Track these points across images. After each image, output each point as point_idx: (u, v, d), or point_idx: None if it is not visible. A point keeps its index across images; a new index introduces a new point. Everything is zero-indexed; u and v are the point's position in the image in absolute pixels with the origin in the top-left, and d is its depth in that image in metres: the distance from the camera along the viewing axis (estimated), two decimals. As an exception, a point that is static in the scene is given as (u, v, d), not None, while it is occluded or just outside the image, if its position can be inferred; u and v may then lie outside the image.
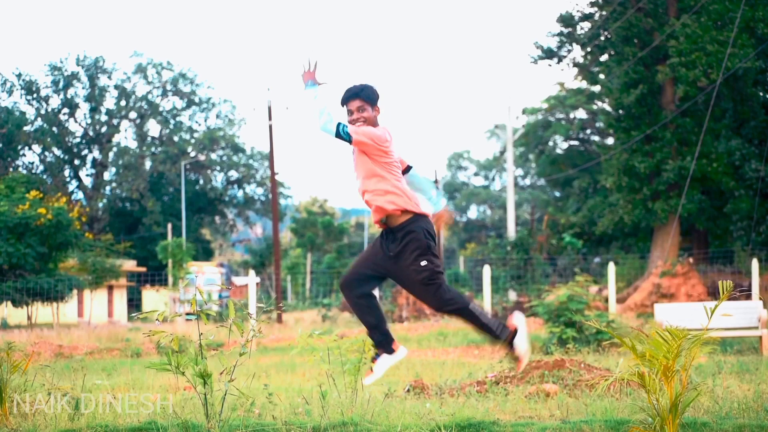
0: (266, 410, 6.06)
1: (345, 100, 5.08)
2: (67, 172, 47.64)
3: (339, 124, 4.86)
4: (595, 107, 39.49)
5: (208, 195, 49.11)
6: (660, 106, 27.01)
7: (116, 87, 48.21)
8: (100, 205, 46.72)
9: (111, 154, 47.62)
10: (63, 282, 22.72)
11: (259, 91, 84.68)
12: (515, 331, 5.04)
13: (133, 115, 48.88)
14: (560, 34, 30.59)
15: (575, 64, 31.46)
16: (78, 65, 47.34)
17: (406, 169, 5.26)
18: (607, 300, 18.62)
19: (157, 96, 49.20)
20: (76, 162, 48.02)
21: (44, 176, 45.38)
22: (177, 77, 49.05)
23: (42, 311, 23.96)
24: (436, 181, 47.77)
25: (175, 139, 48.32)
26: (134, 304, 34.29)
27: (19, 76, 46.32)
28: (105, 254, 26.76)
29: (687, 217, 27.29)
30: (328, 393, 6.09)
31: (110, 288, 33.72)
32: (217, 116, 50.64)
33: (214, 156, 49.69)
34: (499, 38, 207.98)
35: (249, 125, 77.28)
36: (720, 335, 10.72)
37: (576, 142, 43.20)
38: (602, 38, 28.50)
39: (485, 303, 18.85)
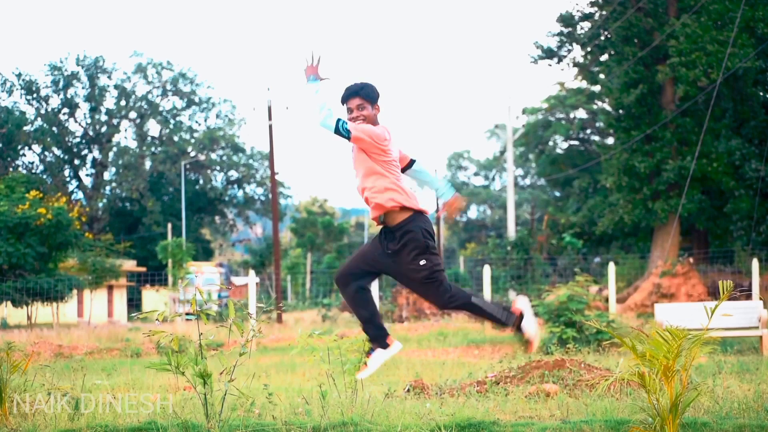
0: (266, 410, 6.06)
1: (345, 98, 5.09)
2: (67, 172, 47.65)
3: (339, 120, 4.85)
4: (595, 107, 39.50)
5: (208, 195, 49.11)
6: (660, 105, 27.01)
7: (116, 87, 48.22)
8: (100, 205, 46.72)
9: (111, 154, 47.62)
10: (63, 282, 22.71)
11: (259, 91, 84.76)
12: (521, 315, 5.08)
13: (133, 114, 48.88)
14: (560, 34, 30.59)
15: (575, 64, 31.46)
16: (78, 65, 47.34)
17: (410, 163, 5.27)
18: (607, 300, 18.63)
19: (157, 96, 49.21)
20: (76, 162, 48.02)
21: (44, 176, 45.39)
22: (177, 77, 49.05)
23: (42, 311, 23.95)
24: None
25: (175, 138, 48.33)
26: (134, 304, 34.27)
27: (19, 75, 46.33)
28: (105, 254, 26.75)
29: (687, 217, 27.29)
30: (328, 393, 6.09)
31: (110, 288, 33.71)
32: (217, 116, 50.65)
33: (214, 156, 49.70)
34: (499, 38, 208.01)
35: (249, 125, 77.23)
36: (720, 335, 10.71)
37: (576, 142, 43.21)
38: (602, 38, 28.50)
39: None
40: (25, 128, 44.02)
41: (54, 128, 46.22)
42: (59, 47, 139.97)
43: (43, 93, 46.82)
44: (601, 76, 31.06)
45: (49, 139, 45.24)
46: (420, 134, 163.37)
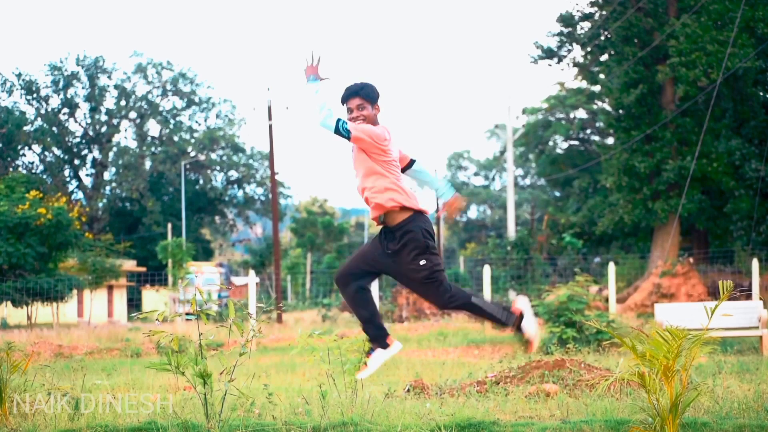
0: (266, 410, 6.06)
1: (345, 98, 5.09)
2: (67, 172, 47.65)
3: (339, 120, 4.85)
4: (595, 107, 39.50)
5: (208, 195, 49.10)
6: (660, 105, 27.01)
7: (116, 87, 48.22)
8: (100, 205, 46.72)
9: (111, 154, 47.62)
10: (63, 282, 22.71)
11: (259, 91, 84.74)
12: (521, 315, 5.08)
13: (133, 114, 48.88)
14: (560, 33, 30.59)
15: (575, 64, 31.46)
16: (78, 65, 47.34)
17: (410, 163, 5.27)
18: (607, 300, 18.63)
19: (157, 96, 49.21)
20: (76, 162, 48.02)
21: (44, 176, 45.39)
22: (177, 77, 49.05)
23: (42, 311, 23.95)
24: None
25: (175, 138, 48.33)
26: (134, 304, 34.27)
27: (19, 75, 46.32)
28: (105, 254, 26.75)
29: (687, 217, 27.29)
30: (328, 393, 6.09)
31: (110, 288, 33.70)
32: (217, 116, 50.64)
33: (214, 156, 49.70)
34: (499, 38, 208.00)
35: (249, 125, 77.24)
36: (720, 335, 10.71)
37: (576, 142, 43.21)
38: (602, 38, 28.50)
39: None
40: (25, 128, 44.02)
41: (54, 128, 46.22)
42: (59, 47, 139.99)
43: (43, 93, 46.83)
44: (601, 76, 31.06)
45: (49, 139, 45.24)
46: (420, 134, 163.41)
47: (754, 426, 5.27)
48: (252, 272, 18.46)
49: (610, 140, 35.28)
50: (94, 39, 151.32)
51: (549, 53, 31.15)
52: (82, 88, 47.56)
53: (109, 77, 48.11)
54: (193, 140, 48.97)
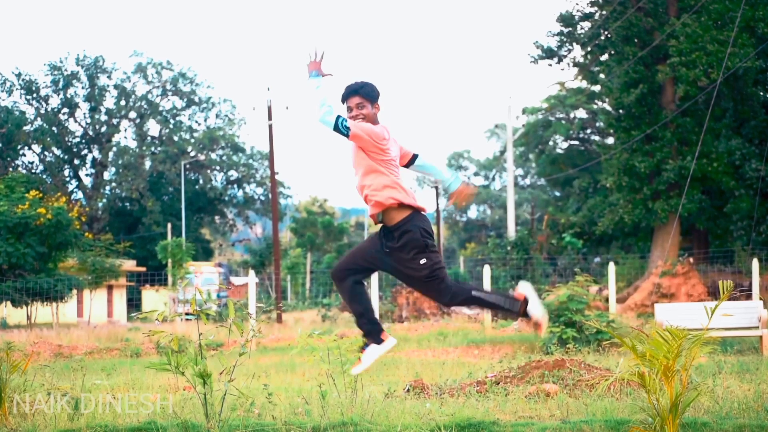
0: (266, 410, 6.05)
1: (345, 97, 5.09)
2: (66, 172, 47.64)
3: (338, 117, 4.84)
4: (595, 107, 39.49)
5: (207, 195, 49.09)
6: (660, 105, 27.01)
7: (116, 87, 48.21)
8: (100, 204, 46.72)
9: (111, 154, 47.62)
10: (62, 282, 22.70)
11: (259, 90, 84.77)
12: (525, 300, 5.10)
13: (132, 114, 48.87)
14: (560, 33, 30.58)
15: (575, 64, 31.45)
16: (77, 65, 47.33)
17: (413, 159, 5.27)
18: (607, 300, 18.61)
19: (157, 96, 49.20)
20: (76, 162, 48.01)
21: (44, 176, 45.39)
22: (177, 77, 49.04)
23: (41, 311, 23.94)
24: (436, 181, 47.70)
25: (175, 138, 48.32)
26: (134, 304, 34.26)
27: (18, 75, 46.32)
28: (105, 254, 26.71)
29: (687, 217, 27.28)
30: (328, 393, 6.08)
31: (110, 288, 33.68)
32: (217, 116, 50.63)
33: (213, 156, 49.69)
34: (499, 38, 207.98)
35: (249, 125, 77.18)
36: (720, 335, 10.71)
37: (576, 142, 43.21)
38: (602, 38, 28.49)
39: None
40: (24, 128, 44.02)
41: (54, 128, 46.22)
42: (59, 47, 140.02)
43: (42, 93, 46.82)
44: (601, 76, 31.06)
45: (48, 139, 45.23)
46: (420, 134, 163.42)
47: (754, 426, 5.27)
48: (252, 272, 18.45)
49: (610, 140, 35.28)
50: (93, 39, 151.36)
51: (549, 53, 31.13)
52: (82, 87, 47.56)
53: (108, 77, 48.11)
54: (192, 140, 48.96)
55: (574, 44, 30.71)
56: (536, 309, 5.11)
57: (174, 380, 8.10)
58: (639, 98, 26.54)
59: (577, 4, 30.00)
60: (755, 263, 16.36)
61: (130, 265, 36.27)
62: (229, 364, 5.47)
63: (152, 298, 31.06)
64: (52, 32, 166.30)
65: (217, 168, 50.44)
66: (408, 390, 7.55)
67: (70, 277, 23.97)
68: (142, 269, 35.49)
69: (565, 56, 31.20)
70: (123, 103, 48.20)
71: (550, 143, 43.72)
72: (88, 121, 47.70)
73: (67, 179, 47.39)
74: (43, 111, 46.63)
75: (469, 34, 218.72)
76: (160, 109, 49.17)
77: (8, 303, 22.87)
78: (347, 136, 4.87)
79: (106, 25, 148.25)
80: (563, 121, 42.15)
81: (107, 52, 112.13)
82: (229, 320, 5.34)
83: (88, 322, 24.18)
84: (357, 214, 71.26)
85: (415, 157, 5.27)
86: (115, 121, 48.36)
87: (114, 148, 47.78)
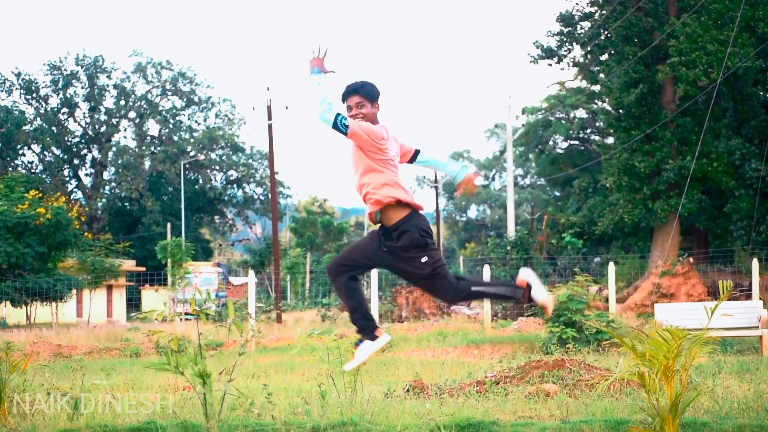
0: (265, 410, 6.05)
1: (345, 96, 5.09)
2: (66, 172, 47.65)
3: (338, 115, 4.83)
4: (595, 107, 39.49)
5: (207, 194, 49.08)
6: (660, 105, 27.00)
7: (115, 86, 48.20)
8: (100, 204, 46.71)
9: (110, 154, 47.61)
10: (62, 282, 22.69)
11: (259, 90, 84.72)
12: (528, 286, 5.20)
13: (132, 114, 48.87)
14: (560, 33, 30.57)
15: (575, 64, 31.44)
16: (77, 65, 47.32)
17: (415, 155, 5.28)
18: (607, 300, 18.60)
19: (157, 95, 49.19)
20: (76, 161, 48.00)
21: (43, 176, 45.39)
22: (176, 76, 49.03)
23: (41, 311, 23.94)
24: (436, 181, 47.71)
25: (175, 138, 48.31)
26: (133, 303, 34.27)
27: (18, 75, 46.31)
28: (104, 254, 26.72)
29: (687, 217, 27.27)
30: (328, 393, 6.08)
31: (109, 288, 33.67)
32: (217, 116, 50.64)
33: (213, 155, 49.69)
34: (499, 38, 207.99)
35: (249, 125, 77.19)
36: (720, 335, 10.70)
37: (576, 142, 43.20)
38: (602, 37, 28.49)
39: (485, 304, 18.82)
40: (24, 128, 44.01)
41: (53, 128, 46.21)
42: (58, 47, 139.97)
43: (42, 92, 46.82)
44: (601, 75, 31.04)
45: (48, 139, 45.22)
46: (420, 134, 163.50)
47: (754, 426, 5.26)
48: (251, 272, 18.44)
49: (610, 140, 35.27)
50: (93, 38, 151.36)
51: (549, 53, 31.13)
52: (82, 87, 47.55)
53: (108, 77, 48.11)
54: (192, 140, 48.96)
55: (574, 44, 30.70)
56: (540, 293, 5.20)
57: (174, 380, 8.09)
58: (639, 98, 26.54)
59: (577, 3, 30.01)
60: (755, 263, 16.36)
61: (129, 265, 36.26)
62: (229, 364, 5.46)
63: (152, 298, 31.05)
64: (51, 32, 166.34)
65: (217, 168, 50.44)
66: (408, 390, 7.54)
67: (70, 276, 23.97)
68: (142, 269, 35.48)
69: (565, 56, 31.20)
70: (122, 102, 48.20)
71: (550, 143, 43.72)
72: (88, 120, 47.70)
73: (67, 179, 47.40)
74: (42, 111, 46.63)
75: (469, 34, 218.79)
76: (160, 108, 49.16)
77: (8, 303, 22.88)
78: (345, 134, 4.87)
79: (106, 24, 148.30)
80: (563, 121, 42.15)
81: (107, 52, 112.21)
82: (229, 320, 5.33)
83: (88, 322, 24.17)
84: (357, 214, 71.26)
85: (417, 152, 5.27)
86: (114, 120, 48.36)
87: (113, 148, 47.78)
